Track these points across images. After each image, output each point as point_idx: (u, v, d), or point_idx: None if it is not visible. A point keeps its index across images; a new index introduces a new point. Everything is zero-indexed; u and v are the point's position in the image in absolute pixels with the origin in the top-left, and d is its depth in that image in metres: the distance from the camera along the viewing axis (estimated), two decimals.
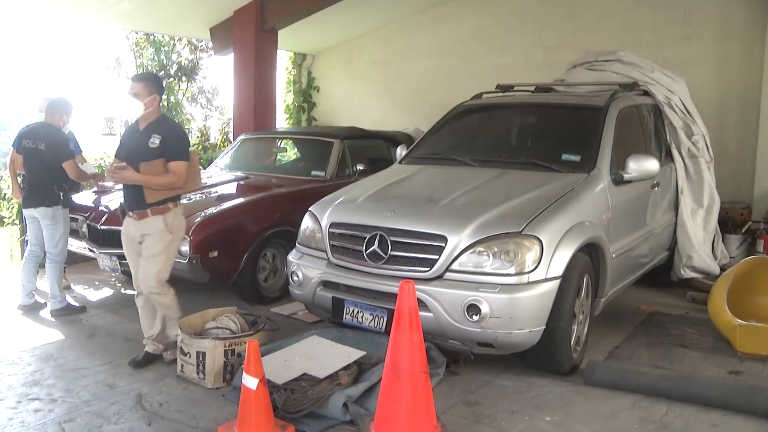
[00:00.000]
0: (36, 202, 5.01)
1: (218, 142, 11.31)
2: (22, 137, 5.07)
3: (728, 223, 6.47)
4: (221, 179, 6.25)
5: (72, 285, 5.92)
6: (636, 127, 5.13)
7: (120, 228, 5.14)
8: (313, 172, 6.22)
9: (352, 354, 3.67)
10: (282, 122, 10.79)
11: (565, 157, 4.50)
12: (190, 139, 3.84)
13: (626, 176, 4.36)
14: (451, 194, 4.08)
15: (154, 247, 3.97)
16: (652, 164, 4.38)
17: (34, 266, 5.31)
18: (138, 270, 4.07)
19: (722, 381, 3.67)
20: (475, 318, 3.49)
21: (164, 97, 10.62)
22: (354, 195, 4.39)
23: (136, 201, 3.96)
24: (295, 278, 4.26)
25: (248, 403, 3.04)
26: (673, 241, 5.59)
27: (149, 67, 10.77)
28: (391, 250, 3.79)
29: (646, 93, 5.57)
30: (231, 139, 9.76)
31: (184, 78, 11.14)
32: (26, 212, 5.18)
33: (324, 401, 3.28)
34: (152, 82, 3.99)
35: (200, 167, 4.73)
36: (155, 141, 3.89)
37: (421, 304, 3.47)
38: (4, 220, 9.43)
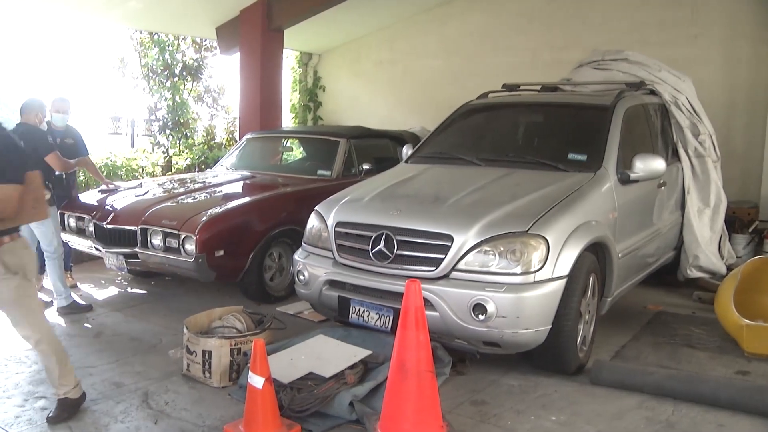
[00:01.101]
0: None
1: (224, 141, 11.33)
2: None
3: (735, 222, 6.44)
4: (227, 178, 6.27)
5: (78, 284, 5.94)
6: (642, 127, 5.11)
7: (126, 227, 5.21)
8: (319, 172, 6.22)
9: (358, 353, 3.67)
10: (288, 121, 10.80)
11: (571, 156, 4.49)
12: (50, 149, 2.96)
13: (633, 176, 4.35)
14: (458, 193, 4.07)
15: (2, 295, 3.06)
16: (658, 164, 4.37)
17: None
18: None
19: (729, 381, 3.66)
20: (481, 317, 3.49)
21: (169, 96, 10.62)
22: (360, 194, 4.39)
23: None
24: (301, 277, 4.26)
25: (254, 402, 3.05)
26: (680, 241, 5.58)
27: (154, 67, 10.77)
28: (398, 249, 3.79)
29: (652, 92, 5.56)
30: (237, 138, 9.78)
31: (189, 77, 11.14)
32: None
33: (330, 400, 3.29)
34: None
35: (47, 192, 3.91)
36: None
37: (427, 304, 3.47)
38: None
